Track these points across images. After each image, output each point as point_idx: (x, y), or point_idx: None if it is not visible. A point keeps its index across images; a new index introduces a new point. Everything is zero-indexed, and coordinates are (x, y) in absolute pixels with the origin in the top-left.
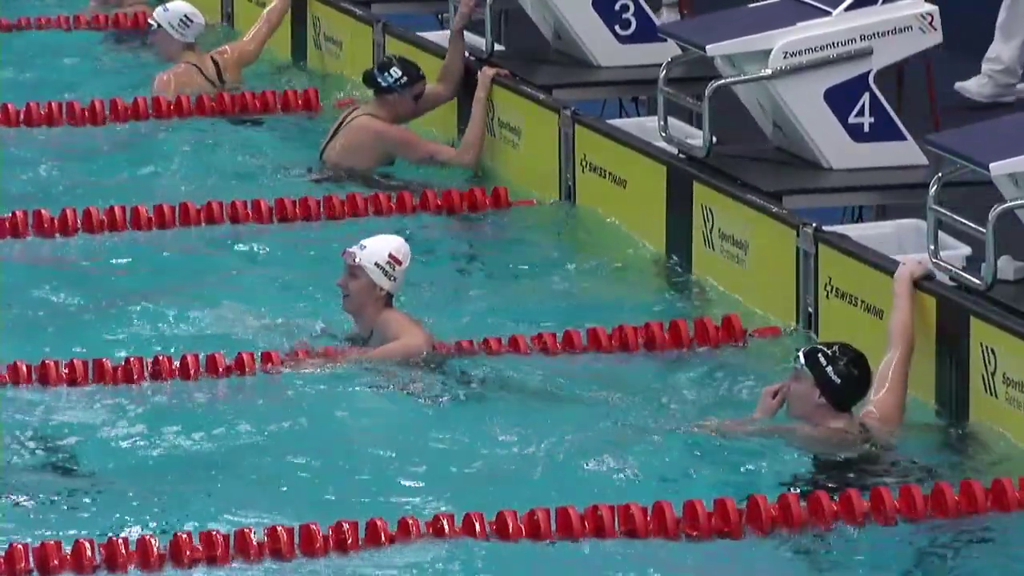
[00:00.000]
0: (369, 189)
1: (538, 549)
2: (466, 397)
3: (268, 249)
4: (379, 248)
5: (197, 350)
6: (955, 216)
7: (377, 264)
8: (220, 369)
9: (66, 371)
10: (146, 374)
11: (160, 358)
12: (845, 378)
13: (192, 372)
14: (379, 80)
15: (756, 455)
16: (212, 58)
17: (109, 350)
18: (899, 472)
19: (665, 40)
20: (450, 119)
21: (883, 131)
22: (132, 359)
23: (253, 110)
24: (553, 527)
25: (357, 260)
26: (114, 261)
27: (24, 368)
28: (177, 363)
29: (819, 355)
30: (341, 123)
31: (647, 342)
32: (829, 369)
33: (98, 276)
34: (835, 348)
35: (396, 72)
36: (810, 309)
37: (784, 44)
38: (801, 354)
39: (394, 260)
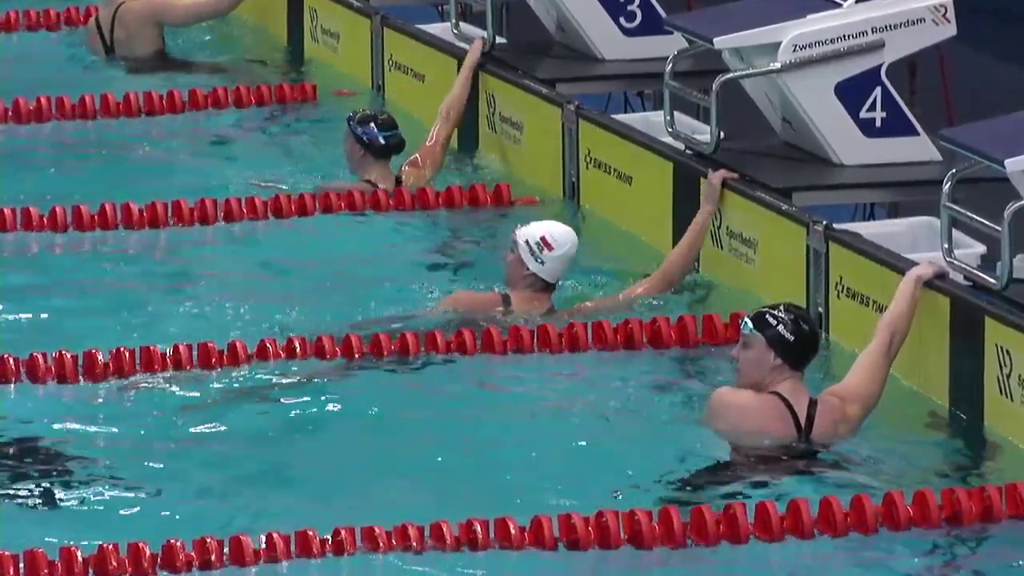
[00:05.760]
0: None
1: (541, 556)
2: (466, 397)
3: (265, 246)
4: (535, 229)
5: (193, 347)
6: (969, 214)
7: (528, 242)
8: (213, 362)
9: (55, 366)
10: (138, 368)
11: (153, 348)
12: (797, 334)
13: (185, 365)
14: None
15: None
16: (116, 10)
17: (99, 346)
18: (845, 474)
19: (671, 32)
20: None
21: (895, 126)
22: (124, 349)
23: (248, 104)
24: (557, 533)
25: (515, 235)
26: (107, 259)
27: (12, 363)
28: (169, 351)
29: (766, 316)
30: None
31: (653, 339)
32: (780, 328)
33: (93, 274)
34: (780, 307)
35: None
36: (820, 309)
37: (794, 37)
38: (747, 319)
39: (544, 244)
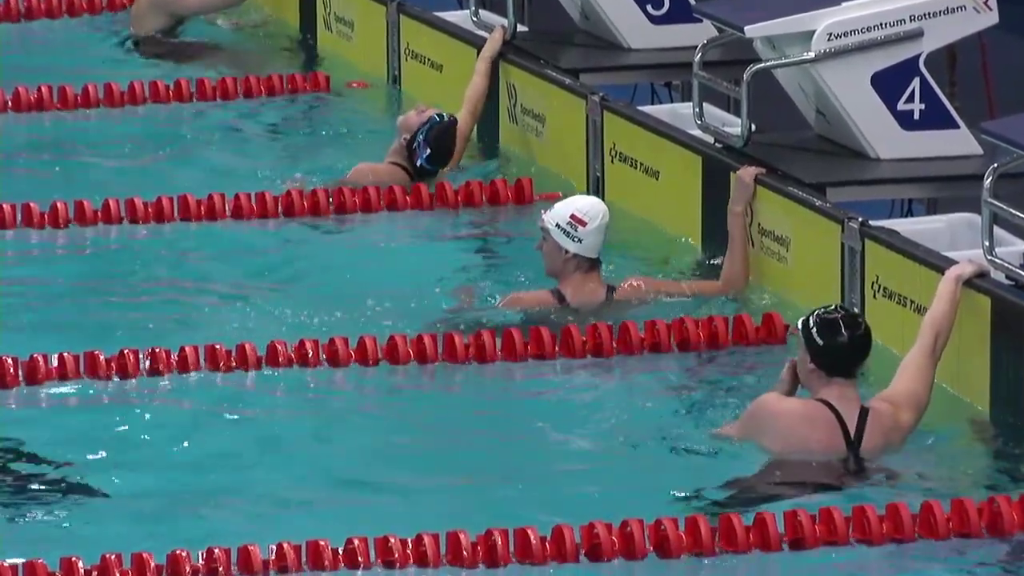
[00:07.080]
0: None
1: (564, 569)
2: (485, 402)
3: (274, 246)
4: (561, 209)
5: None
6: (1012, 210)
7: (558, 225)
8: (220, 364)
9: (56, 368)
10: (143, 370)
11: (158, 351)
12: (825, 338)
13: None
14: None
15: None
16: None
17: (103, 346)
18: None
19: (700, 20)
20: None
21: (934, 119)
22: (128, 351)
23: (258, 94)
24: (578, 540)
25: (542, 222)
26: (111, 257)
27: (11, 363)
28: (176, 357)
29: (808, 316)
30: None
31: (681, 340)
32: (813, 330)
33: (97, 272)
34: (828, 308)
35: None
36: (856, 309)
37: (828, 25)
38: (800, 320)
39: (576, 221)
